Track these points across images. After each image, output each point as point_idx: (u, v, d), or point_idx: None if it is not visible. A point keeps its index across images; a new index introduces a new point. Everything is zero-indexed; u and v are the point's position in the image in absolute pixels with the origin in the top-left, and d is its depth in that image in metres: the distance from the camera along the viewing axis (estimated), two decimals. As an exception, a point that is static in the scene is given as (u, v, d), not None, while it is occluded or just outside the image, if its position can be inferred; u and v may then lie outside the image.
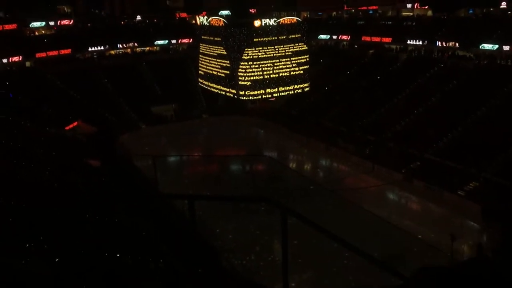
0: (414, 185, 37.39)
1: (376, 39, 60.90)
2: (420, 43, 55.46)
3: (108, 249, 6.89)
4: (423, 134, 42.67)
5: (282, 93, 51.40)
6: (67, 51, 65.87)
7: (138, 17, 74.71)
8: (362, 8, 73.45)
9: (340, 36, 65.81)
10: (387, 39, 59.58)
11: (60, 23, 67.21)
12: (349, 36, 64.71)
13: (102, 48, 68.91)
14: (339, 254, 24.14)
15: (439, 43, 53.17)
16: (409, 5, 66.38)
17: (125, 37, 70.90)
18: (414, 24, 59.78)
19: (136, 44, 71.45)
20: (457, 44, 51.28)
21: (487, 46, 48.17)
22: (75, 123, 50.01)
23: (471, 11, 57.94)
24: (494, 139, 37.54)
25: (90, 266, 5.96)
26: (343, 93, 55.05)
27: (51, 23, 66.38)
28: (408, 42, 56.82)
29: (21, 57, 60.64)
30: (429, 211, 34.81)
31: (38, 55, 62.70)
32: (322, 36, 67.92)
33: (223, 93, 54.40)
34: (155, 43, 72.59)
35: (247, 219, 30.42)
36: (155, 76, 66.24)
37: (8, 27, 61.28)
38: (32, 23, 64.38)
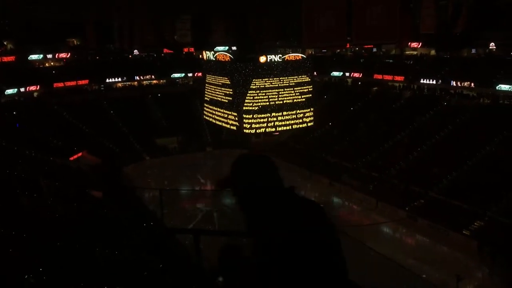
0: (419, 224, 36.98)
1: (388, 77, 60.86)
2: (434, 82, 55.10)
3: (108, 281, 6.81)
4: (427, 172, 42.53)
5: (286, 117, 51.86)
6: (85, 81, 67.47)
7: (136, 52, 75.79)
8: (366, 46, 74.37)
9: (352, 73, 66.38)
10: (399, 78, 59.41)
11: (58, 56, 68.38)
12: (361, 74, 65.15)
13: (119, 79, 70.39)
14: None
15: (453, 83, 52.79)
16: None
17: (142, 70, 72.33)
18: (427, 63, 59.63)
19: (153, 76, 72.89)
20: (472, 84, 50.88)
21: (504, 87, 47.48)
22: (80, 154, 50.21)
23: (474, 51, 58.51)
24: (500, 178, 37.32)
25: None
26: (347, 129, 55.33)
27: (49, 56, 67.53)
28: (422, 81, 56.56)
29: (38, 86, 62.02)
30: (434, 250, 34.28)
31: (56, 85, 64.29)
32: (335, 73, 68.62)
33: (227, 126, 54.77)
34: (172, 76, 73.83)
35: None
36: (161, 108, 66.93)
37: (7, 59, 62.47)
38: (30, 56, 65.41)
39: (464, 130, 46.20)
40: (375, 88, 62.29)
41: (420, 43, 61.84)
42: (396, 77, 59.77)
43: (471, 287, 27.32)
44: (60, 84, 64.62)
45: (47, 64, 68.46)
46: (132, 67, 71.96)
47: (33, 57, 66.03)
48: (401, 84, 59.23)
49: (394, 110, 55.94)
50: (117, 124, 61.87)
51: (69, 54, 69.22)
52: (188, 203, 45.71)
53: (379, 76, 62.03)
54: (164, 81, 73.83)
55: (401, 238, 38.18)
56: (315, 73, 68.34)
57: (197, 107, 66.88)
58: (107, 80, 69.43)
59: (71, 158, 48.40)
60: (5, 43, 64.40)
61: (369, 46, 71.90)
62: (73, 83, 65.82)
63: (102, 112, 63.53)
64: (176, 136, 61.36)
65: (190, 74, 73.74)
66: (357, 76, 65.79)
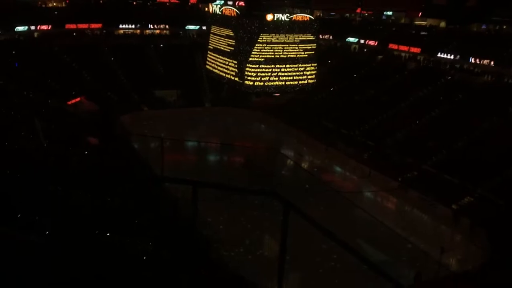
0: (409, 195, 37.39)
1: (404, 48, 59.24)
2: (452, 57, 53.41)
3: (98, 227, 6.87)
4: (423, 145, 42.63)
5: (289, 69, 51.78)
6: (98, 25, 66.63)
7: None
8: (370, 12, 73.25)
9: (367, 41, 64.70)
10: (415, 49, 57.78)
11: None
12: (376, 42, 63.43)
13: (133, 26, 69.88)
14: (328, 256, 24.24)
15: (472, 60, 51.22)
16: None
17: (153, 18, 71.38)
18: (446, 36, 57.55)
19: (167, 26, 72.00)
20: (492, 63, 49.31)
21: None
22: (78, 99, 49.92)
23: (484, 27, 57.54)
24: (494, 156, 37.50)
25: (79, 241, 5.94)
26: (347, 96, 55.02)
27: None
28: (439, 55, 54.82)
29: (50, 26, 61.35)
30: (421, 221, 34.86)
31: (67, 26, 63.57)
32: (351, 39, 67.13)
33: (228, 73, 54.42)
34: (186, 27, 72.68)
35: (240, 212, 30.43)
36: (162, 60, 66.02)
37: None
38: None
39: (464, 106, 45.99)
40: (380, 56, 61.47)
41: (420, 13, 60.56)
42: (412, 48, 58.20)
43: (454, 260, 27.91)
44: (73, 26, 63.70)
45: (50, 5, 67.03)
46: (140, 14, 70.87)
47: None
48: (407, 55, 58.43)
49: (397, 80, 55.44)
50: (117, 72, 61.22)
51: None
52: (184, 155, 45.94)
53: (395, 46, 60.49)
54: (167, 32, 72.54)
55: (390, 207, 38.67)
56: (330, 37, 67.67)
57: (199, 61, 66.02)
58: (120, 26, 68.71)
59: (69, 103, 48.15)
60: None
61: (377, 12, 70.92)
62: (85, 25, 64.89)
63: (103, 58, 62.70)
64: (175, 89, 60.87)
65: (204, 28, 71.82)
66: (372, 44, 64.16)
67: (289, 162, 46.55)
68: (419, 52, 57.45)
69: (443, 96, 48.54)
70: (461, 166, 37.97)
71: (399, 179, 39.12)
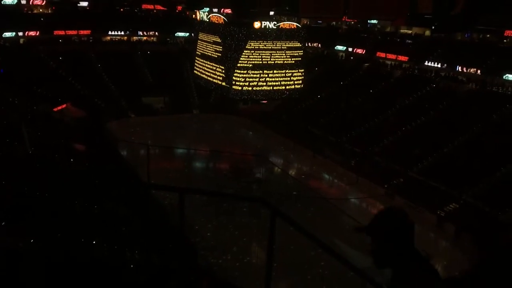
0: (395, 201, 37.66)
1: (392, 56, 59.85)
2: (439, 66, 54.05)
3: (84, 235, 6.84)
4: (409, 152, 43.08)
5: (276, 75, 52.08)
6: (87, 32, 66.51)
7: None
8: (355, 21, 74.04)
9: (355, 49, 65.28)
10: (403, 58, 58.35)
11: (32, 2, 66.24)
12: (364, 50, 63.86)
13: (122, 33, 69.83)
14: (315, 262, 24.30)
15: (459, 68, 52.00)
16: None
17: (144, 25, 71.61)
18: (435, 45, 57.88)
19: (156, 33, 72.08)
20: (479, 72, 50.03)
21: None
22: (64, 106, 49.51)
23: (467, 35, 58.33)
24: (480, 163, 38.05)
25: (64, 250, 5.92)
26: (334, 103, 55.41)
27: (23, 1, 65.37)
28: (426, 63, 55.49)
29: (38, 32, 61.16)
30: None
31: (56, 32, 63.38)
32: (339, 47, 67.65)
33: (215, 77, 54.49)
34: (176, 34, 72.69)
35: (227, 218, 30.44)
36: (149, 66, 65.88)
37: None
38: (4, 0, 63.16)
39: (449, 114, 46.63)
40: (366, 64, 62.08)
41: (405, 21, 61.23)
42: (399, 56, 58.89)
43: (439, 266, 28.16)
44: (61, 32, 63.37)
45: (36, 11, 66.51)
46: (129, 21, 70.73)
47: (7, 1, 63.61)
48: (394, 63, 59.08)
49: (383, 88, 56.00)
50: (104, 79, 60.92)
51: (44, 1, 67.22)
52: (172, 162, 45.80)
53: (382, 55, 61.20)
54: (155, 38, 72.52)
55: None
56: (319, 45, 67.93)
57: (186, 68, 65.99)
58: (110, 32, 68.61)
59: (55, 109, 47.71)
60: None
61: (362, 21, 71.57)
62: (74, 32, 64.61)
63: (90, 64, 62.38)
64: (163, 96, 60.73)
65: (193, 35, 72.02)
66: (360, 52, 64.51)
67: (277, 169, 46.65)
68: (406, 60, 58.09)
69: (428, 104, 49.16)
70: (447, 172, 38.46)
71: (386, 186, 39.47)
